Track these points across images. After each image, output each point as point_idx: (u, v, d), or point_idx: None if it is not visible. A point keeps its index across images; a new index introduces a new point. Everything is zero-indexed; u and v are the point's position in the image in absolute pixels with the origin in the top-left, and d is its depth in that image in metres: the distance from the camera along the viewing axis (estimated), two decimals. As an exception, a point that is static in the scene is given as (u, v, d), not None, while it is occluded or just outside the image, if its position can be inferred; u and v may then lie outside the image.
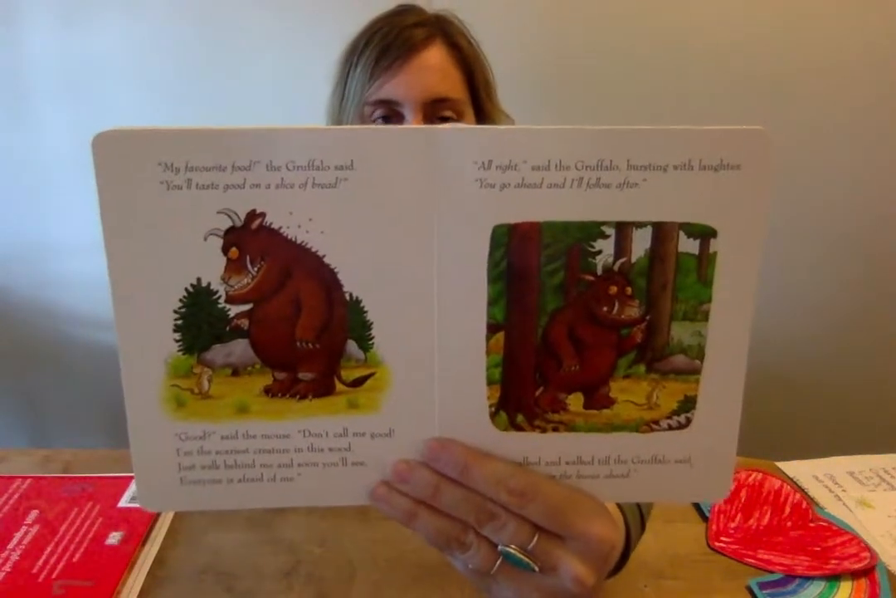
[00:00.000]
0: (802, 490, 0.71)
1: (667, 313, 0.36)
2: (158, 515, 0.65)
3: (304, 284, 0.36)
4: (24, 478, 0.71)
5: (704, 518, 0.66)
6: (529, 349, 0.37)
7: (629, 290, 0.36)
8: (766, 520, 0.66)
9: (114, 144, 0.34)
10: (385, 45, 0.71)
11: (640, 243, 0.35)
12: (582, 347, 0.37)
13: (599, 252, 0.35)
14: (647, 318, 0.36)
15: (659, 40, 1.25)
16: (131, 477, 0.70)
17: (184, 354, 0.36)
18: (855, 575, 0.58)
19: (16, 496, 0.68)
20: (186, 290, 0.35)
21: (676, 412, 0.38)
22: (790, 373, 1.50)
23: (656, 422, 0.38)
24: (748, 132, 0.35)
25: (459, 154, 0.34)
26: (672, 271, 0.36)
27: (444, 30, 0.75)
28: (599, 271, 0.36)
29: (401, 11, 0.76)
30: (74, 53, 1.30)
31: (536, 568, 0.34)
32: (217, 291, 0.35)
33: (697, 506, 0.68)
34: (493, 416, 0.37)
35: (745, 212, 0.36)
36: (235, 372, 0.37)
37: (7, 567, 0.58)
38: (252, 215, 0.34)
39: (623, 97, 1.29)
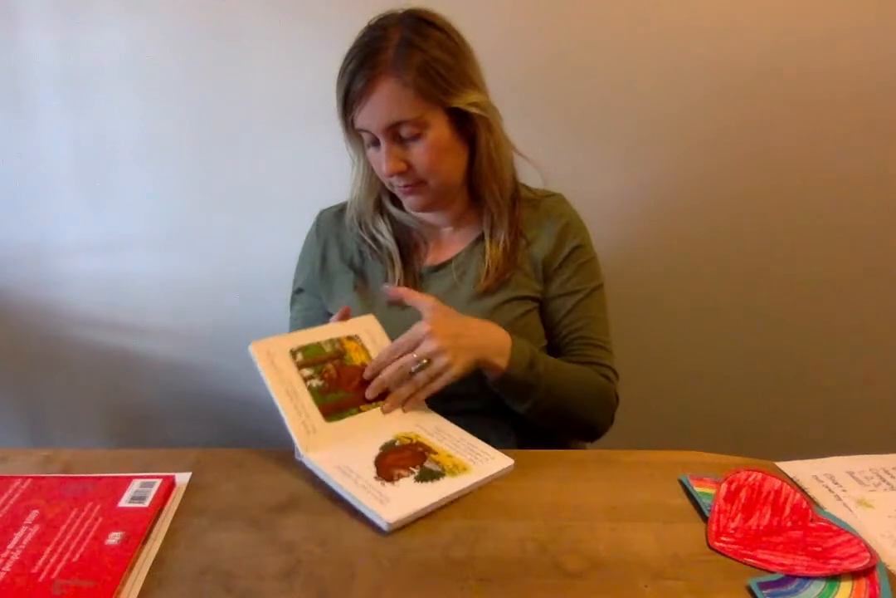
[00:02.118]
0: (802, 490, 0.71)
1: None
2: (159, 514, 0.66)
3: None
4: (24, 478, 0.71)
5: (704, 518, 0.66)
6: None
7: None
8: (766, 520, 0.66)
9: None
10: (348, 83, 0.81)
11: None
12: None
13: None
14: None
15: (657, 39, 1.25)
16: (131, 477, 0.70)
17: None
18: (855, 575, 0.58)
19: (16, 496, 0.68)
20: None
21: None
22: (790, 373, 1.50)
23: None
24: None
25: None
26: None
27: (398, 50, 0.80)
28: None
29: (366, 40, 0.82)
30: (74, 53, 1.30)
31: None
32: None
33: (697, 506, 0.68)
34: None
35: None
36: None
37: (7, 567, 0.58)
38: None
39: (623, 97, 1.29)
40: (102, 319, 1.52)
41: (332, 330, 0.83)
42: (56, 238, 1.45)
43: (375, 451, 0.73)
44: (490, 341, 0.80)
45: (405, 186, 0.86)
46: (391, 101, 0.80)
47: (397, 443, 0.75)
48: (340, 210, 1.01)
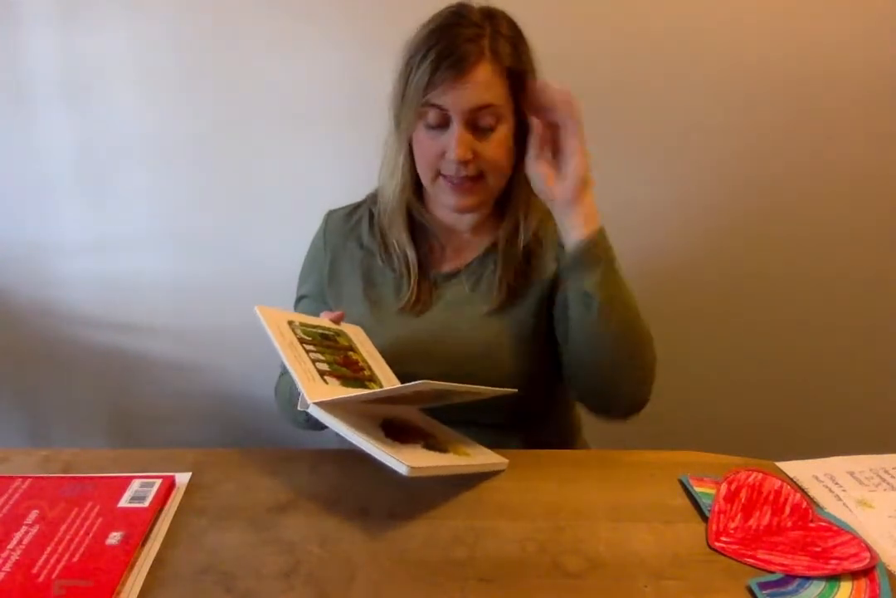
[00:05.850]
0: (802, 490, 0.71)
1: None
2: (159, 514, 0.66)
3: None
4: (24, 478, 0.71)
5: (704, 518, 0.66)
6: None
7: None
8: (766, 520, 0.66)
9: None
10: (439, 61, 0.79)
11: None
12: None
13: None
14: None
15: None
16: (131, 477, 0.71)
17: None
18: (855, 575, 0.59)
19: (16, 496, 0.68)
20: None
21: None
22: (790, 373, 1.50)
23: None
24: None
25: None
26: None
27: (493, 40, 0.80)
28: None
29: (454, 22, 0.81)
30: (75, 53, 1.30)
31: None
32: None
33: (697, 506, 0.68)
34: None
35: None
36: None
37: (7, 567, 0.58)
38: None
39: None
40: (102, 319, 1.52)
41: (324, 322, 0.84)
42: (56, 238, 1.45)
43: (380, 420, 0.73)
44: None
45: (463, 178, 0.84)
46: (486, 85, 0.80)
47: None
48: (349, 213, 0.98)
